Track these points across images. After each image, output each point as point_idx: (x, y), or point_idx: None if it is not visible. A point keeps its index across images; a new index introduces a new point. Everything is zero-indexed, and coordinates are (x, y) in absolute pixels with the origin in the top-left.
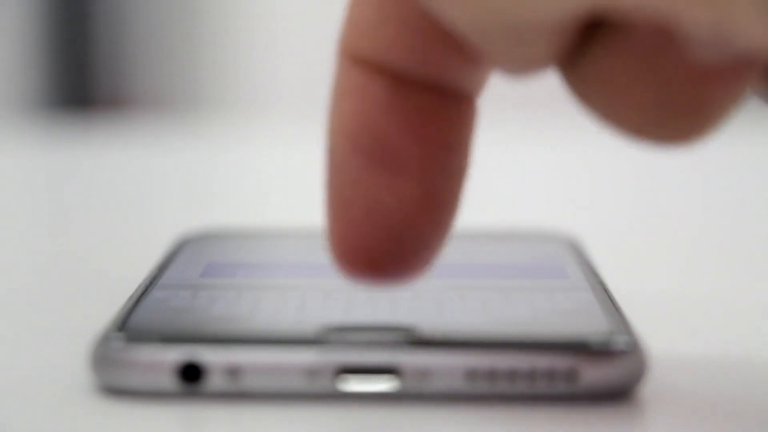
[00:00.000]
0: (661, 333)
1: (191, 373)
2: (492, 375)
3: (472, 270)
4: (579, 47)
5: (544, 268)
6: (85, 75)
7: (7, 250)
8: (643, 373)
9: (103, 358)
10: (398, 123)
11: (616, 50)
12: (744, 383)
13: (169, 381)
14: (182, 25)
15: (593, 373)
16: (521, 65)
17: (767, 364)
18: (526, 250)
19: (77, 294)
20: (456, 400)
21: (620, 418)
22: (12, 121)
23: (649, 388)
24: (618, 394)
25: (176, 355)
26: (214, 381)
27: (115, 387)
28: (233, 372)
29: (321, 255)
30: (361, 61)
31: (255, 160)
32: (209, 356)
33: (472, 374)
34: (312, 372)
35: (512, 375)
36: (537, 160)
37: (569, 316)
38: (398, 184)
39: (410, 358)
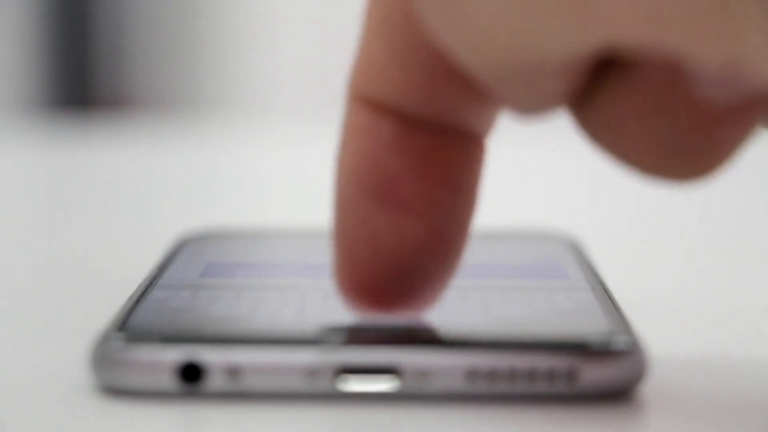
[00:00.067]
0: (661, 333)
1: (191, 373)
2: (492, 375)
3: (472, 270)
4: (589, 87)
5: (544, 268)
6: (85, 75)
7: (7, 250)
8: (643, 373)
9: (103, 358)
10: (404, 163)
11: (626, 90)
12: (744, 383)
13: (169, 381)
14: (182, 25)
15: (593, 373)
16: (532, 105)
17: (767, 364)
18: (526, 250)
19: (77, 294)
20: (456, 400)
21: (620, 418)
22: (12, 121)
23: (649, 388)
24: (618, 394)
25: (176, 355)
26: (214, 381)
27: (115, 387)
28: (233, 372)
29: (321, 255)
30: (368, 102)
31: (255, 160)
32: (209, 356)
33: (472, 374)
34: (312, 372)
35: (512, 375)
36: (537, 160)
37: (569, 316)
38: (404, 223)
39: (410, 358)
